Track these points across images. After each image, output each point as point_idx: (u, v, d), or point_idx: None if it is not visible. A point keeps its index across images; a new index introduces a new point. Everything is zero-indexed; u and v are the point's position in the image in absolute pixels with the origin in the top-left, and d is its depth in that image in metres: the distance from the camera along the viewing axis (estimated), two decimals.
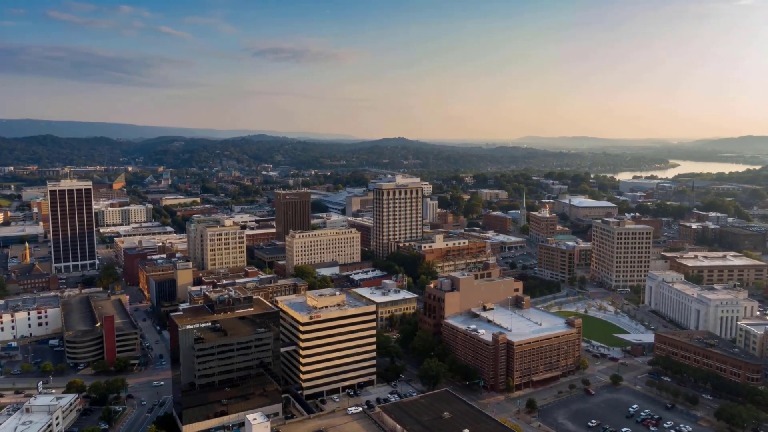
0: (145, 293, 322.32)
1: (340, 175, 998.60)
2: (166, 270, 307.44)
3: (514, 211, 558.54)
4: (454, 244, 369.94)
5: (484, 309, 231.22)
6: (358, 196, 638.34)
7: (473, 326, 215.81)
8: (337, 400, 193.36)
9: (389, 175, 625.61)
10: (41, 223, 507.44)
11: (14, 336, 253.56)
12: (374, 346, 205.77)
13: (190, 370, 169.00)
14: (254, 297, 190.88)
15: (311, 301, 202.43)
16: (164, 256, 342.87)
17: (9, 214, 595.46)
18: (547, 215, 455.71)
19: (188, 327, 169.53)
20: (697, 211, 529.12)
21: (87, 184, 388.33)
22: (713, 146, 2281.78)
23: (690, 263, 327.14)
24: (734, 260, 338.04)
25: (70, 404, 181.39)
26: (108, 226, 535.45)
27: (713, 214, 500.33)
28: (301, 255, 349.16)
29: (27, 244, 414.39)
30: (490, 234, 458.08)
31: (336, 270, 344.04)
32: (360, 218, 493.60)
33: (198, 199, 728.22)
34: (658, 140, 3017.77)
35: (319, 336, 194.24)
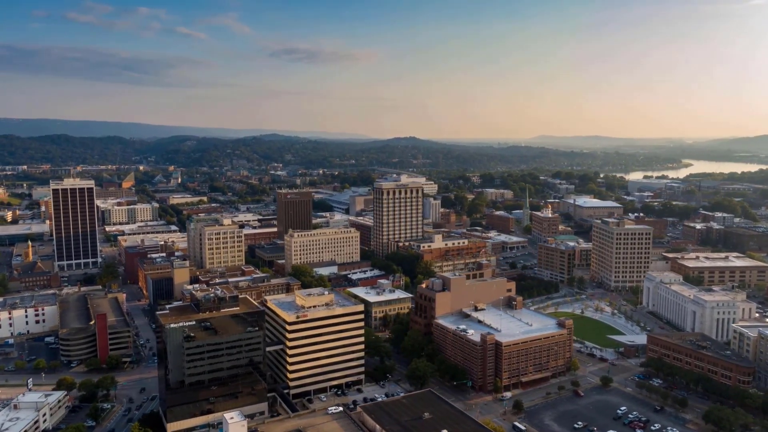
0: (144, 291, 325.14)
1: (347, 175, 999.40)
2: (163, 268, 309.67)
3: (518, 211, 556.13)
4: (453, 244, 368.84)
5: (476, 309, 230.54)
6: (362, 195, 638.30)
7: (463, 326, 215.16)
8: (324, 399, 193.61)
9: (394, 175, 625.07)
10: (48, 222, 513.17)
11: (12, 333, 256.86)
12: (362, 346, 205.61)
13: (178, 368, 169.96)
14: (241, 296, 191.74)
15: (300, 300, 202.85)
16: (164, 254, 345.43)
17: (18, 212, 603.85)
18: (549, 215, 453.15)
19: (172, 325, 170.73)
20: (703, 212, 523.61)
21: (89, 183, 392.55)
22: (728, 146, 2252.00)
23: (691, 264, 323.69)
24: (736, 261, 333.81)
25: (59, 401, 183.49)
26: (114, 224, 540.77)
27: (719, 214, 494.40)
28: (300, 254, 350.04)
29: (30, 242, 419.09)
30: (492, 234, 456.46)
31: (334, 269, 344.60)
32: (362, 218, 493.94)
33: (205, 198, 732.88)
34: (672, 140, 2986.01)
35: (306, 335, 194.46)
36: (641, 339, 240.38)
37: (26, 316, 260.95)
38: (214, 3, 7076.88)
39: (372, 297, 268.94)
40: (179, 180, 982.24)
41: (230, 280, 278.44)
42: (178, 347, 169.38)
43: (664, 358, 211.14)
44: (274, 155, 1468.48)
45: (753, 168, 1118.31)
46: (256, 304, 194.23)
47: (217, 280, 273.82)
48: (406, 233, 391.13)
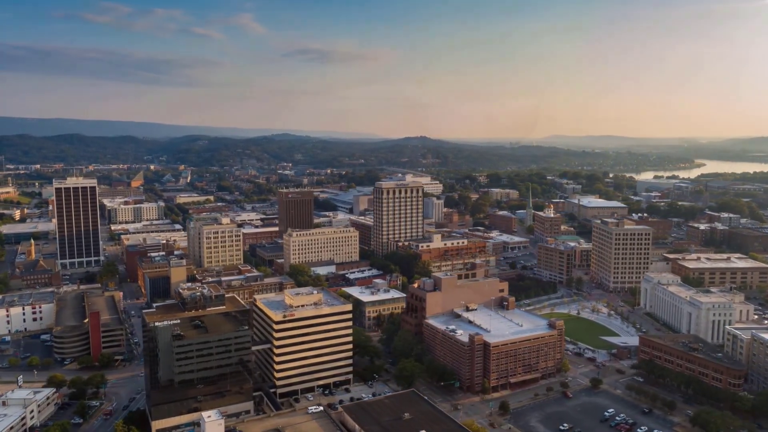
0: (143, 290, 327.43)
1: (355, 174, 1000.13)
2: (161, 267, 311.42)
3: (522, 211, 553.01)
4: (452, 244, 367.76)
5: (467, 309, 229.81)
6: (365, 195, 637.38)
7: (452, 327, 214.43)
8: (311, 398, 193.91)
9: (399, 174, 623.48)
10: (53, 220, 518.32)
11: (9, 330, 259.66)
12: (350, 346, 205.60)
13: (167, 367, 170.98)
14: (228, 295, 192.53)
15: (288, 299, 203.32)
16: (163, 253, 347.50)
17: (26, 211, 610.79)
18: (552, 215, 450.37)
19: (159, 324, 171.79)
20: (709, 212, 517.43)
21: (92, 182, 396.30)
22: (743, 145, 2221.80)
23: (691, 265, 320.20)
24: (738, 262, 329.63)
25: (47, 398, 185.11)
26: (120, 223, 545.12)
27: (725, 215, 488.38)
28: (298, 253, 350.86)
29: (33, 240, 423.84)
30: (493, 234, 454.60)
31: (332, 269, 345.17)
32: (363, 217, 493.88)
33: (212, 198, 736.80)
34: (687, 139, 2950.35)
35: (293, 335, 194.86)
36: (634, 340, 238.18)
37: (23, 314, 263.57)
38: (230, 3, 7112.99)
39: (366, 297, 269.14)
40: (188, 179, 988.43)
41: (224, 278, 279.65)
42: (167, 346, 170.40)
43: (655, 360, 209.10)
44: (285, 155, 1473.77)
45: (766, 168, 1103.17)
46: (242, 302, 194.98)
47: (210, 279, 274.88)
48: (406, 233, 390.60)
